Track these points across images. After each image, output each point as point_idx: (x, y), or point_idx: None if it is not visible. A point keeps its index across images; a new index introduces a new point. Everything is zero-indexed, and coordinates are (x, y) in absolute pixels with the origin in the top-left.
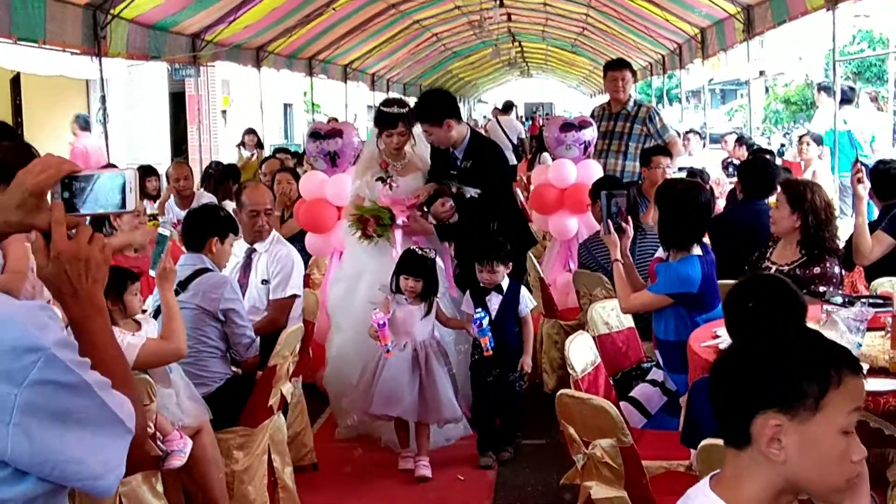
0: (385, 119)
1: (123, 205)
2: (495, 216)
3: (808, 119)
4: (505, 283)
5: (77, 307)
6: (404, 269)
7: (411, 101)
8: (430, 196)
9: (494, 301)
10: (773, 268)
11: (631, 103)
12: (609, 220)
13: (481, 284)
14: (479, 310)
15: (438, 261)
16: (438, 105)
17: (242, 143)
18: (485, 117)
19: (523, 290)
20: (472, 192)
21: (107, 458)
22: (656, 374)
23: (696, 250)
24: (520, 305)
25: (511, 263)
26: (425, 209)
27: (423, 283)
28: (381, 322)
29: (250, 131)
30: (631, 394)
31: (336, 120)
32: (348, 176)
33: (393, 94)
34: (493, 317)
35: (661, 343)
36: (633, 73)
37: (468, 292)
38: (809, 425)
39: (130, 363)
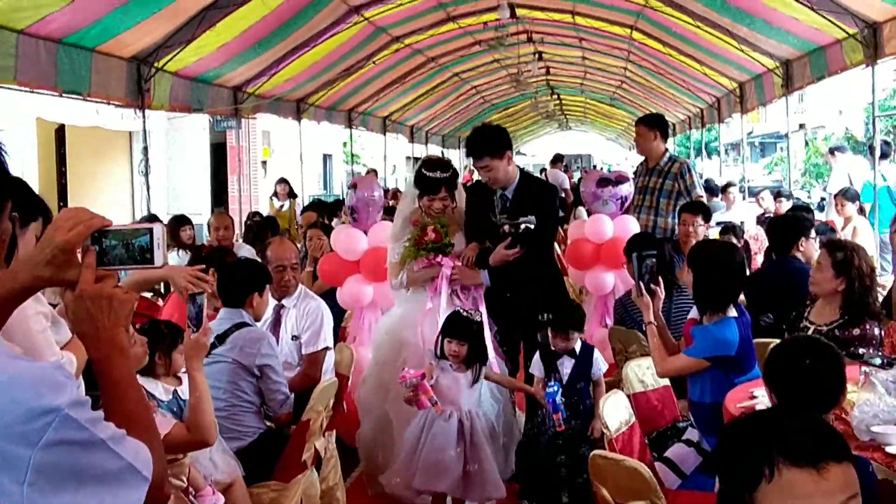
0: (427, 184)
1: (152, 260)
2: (551, 250)
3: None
4: (578, 346)
5: (99, 347)
6: (448, 332)
7: (453, 156)
8: (478, 255)
9: (567, 365)
10: (812, 328)
11: (665, 158)
12: (640, 282)
13: (553, 349)
14: (553, 383)
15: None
16: (499, 136)
17: (275, 194)
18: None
19: (596, 351)
20: (528, 222)
21: None
22: (692, 434)
23: (732, 312)
24: (593, 368)
25: (584, 328)
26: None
27: (468, 347)
28: (417, 378)
29: (282, 181)
30: (666, 454)
31: (375, 172)
32: (355, 230)
33: (433, 151)
34: (564, 381)
35: (696, 406)
36: (655, 126)
37: (538, 355)
38: None
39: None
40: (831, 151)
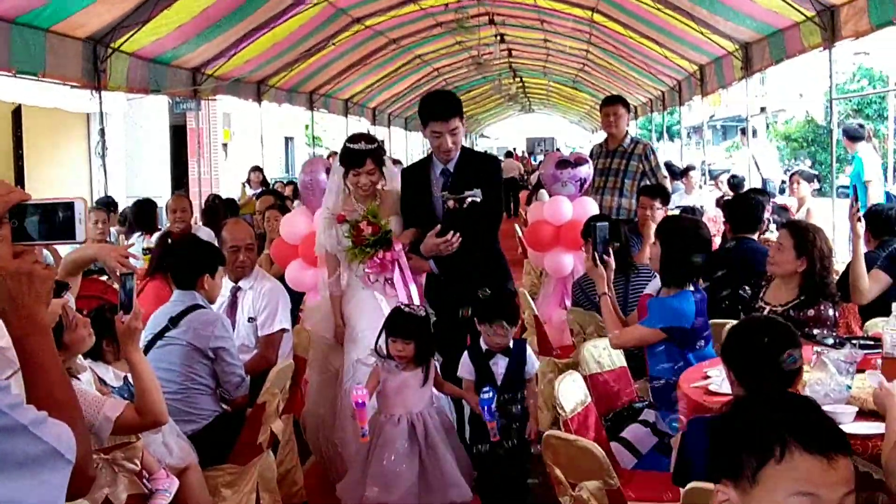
0: (352, 157)
1: (73, 235)
2: (496, 228)
3: (809, 156)
4: (510, 342)
5: (18, 324)
6: (392, 331)
7: (410, 137)
8: (414, 241)
9: (501, 365)
10: (767, 308)
11: (628, 140)
12: (595, 252)
13: (486, 348)
14: (488, 388)
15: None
16: (457, 99)
17: (248, 181)
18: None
19: (528, 348)
20: (473, 196)
21: (43, 494)
22: (648, 415)
23: (689, 287)
24: (527, 367)
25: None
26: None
27: (414, 344)
28: (360, 401)
29: (256, 169)
30: (622, 434)
31: (335, 154)
32: (299, 211)
33: (396, 133)
34: (499, 382)
35: (654, 380)
36: (628, 108)
37: (466, 355)
38: (749, 499)
39: (106, 433)
40: (851, 138)
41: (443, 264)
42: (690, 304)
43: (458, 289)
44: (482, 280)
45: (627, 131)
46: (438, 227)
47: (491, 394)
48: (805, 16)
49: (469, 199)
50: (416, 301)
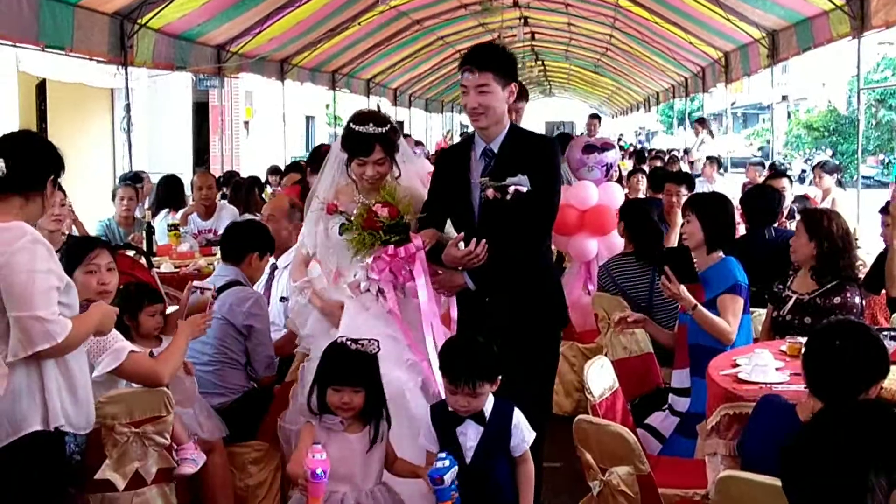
0: (357, 141)
1: None
2: (547, 231)
3: (830, 146)
4: (489, 407)
5: None
6: (333, 377)
7: (436, 121)
8: (432, 247)
9: (472, 434)
10: (794, 297)
11: None
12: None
13: (450, 409)
14: (443, 454)
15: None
16: (509, 59)
17: (267, 182)
18: None
19: (518, 414)
20: (518, 184)
21: None
22: (673, 401)
23: None
24: (512, 441)
25: (500, 378)
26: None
27: (364, 394)
28: (317, 471)
29: (275, 171)
30: (647, 421)
31: None
32: None
33: (417, 114)
34: (468, 460)
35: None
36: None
37: (429, 420)
38: None
39: (115, 364)
40: None
41: (480, 277)
42: (736, 264)
43: (500, 308)
44: (527, 298)
45: None
46: (463, 234)
47: (448, 462)
48: (834, 4)
49: (513, 189)
50: (437, 324)
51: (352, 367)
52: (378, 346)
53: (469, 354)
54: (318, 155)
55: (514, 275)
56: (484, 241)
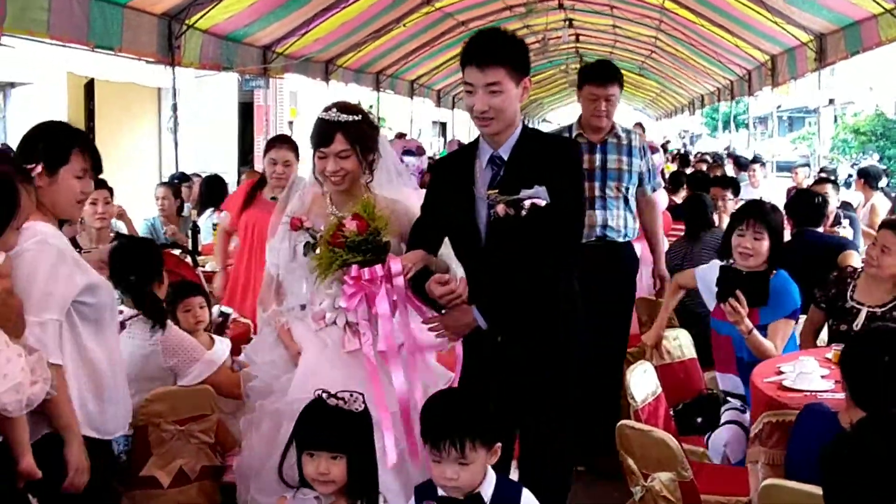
0: (315, 129)
1: None
2: (571, 255)
3: (878, 150)
4: (489, 488)
5: None
6: (308, 440)
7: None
8: (418, 273)
9: None
10: (864, 309)
11: (619, 129)
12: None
13: (439, 490)
14: None
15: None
16: (520, 49)
17: None
18: None
19: (527, 495)
20: (535, 197)
21: None
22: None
23: None
24: None
25: (499, 445)
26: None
27: (347, 461)
28: None
29: None
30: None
31: (403, 136)
32: None
33: (459, 116)
34: None
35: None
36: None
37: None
38: None
39: (204, 376)
40: None
41: (491, 311)
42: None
43: (510, 350)
44: (544, 342)
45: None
46: (447, 275)
47: None
48: (884, 8)
49: (528, 203)
50: (440, 370)
51: (327, 427)
52: (364, 403)
53: (453, 406)
54: None
55: (531, 307)
56: (464, 279)
